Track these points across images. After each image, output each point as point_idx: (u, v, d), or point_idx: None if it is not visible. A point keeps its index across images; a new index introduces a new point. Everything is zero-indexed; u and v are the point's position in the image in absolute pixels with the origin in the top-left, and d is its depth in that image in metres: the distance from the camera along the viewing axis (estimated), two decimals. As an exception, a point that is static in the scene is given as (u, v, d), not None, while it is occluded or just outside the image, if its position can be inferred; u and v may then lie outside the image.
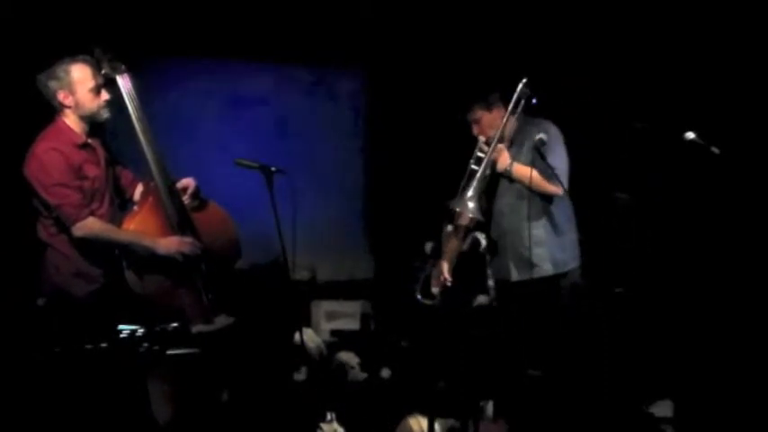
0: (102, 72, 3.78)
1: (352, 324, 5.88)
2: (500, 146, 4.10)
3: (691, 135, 3.66)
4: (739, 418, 4.24)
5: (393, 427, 4.36)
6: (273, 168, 3.82)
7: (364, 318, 5.92)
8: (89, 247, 3.72)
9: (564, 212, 4.16)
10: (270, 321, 4.70)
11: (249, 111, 5.99)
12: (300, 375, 4.60)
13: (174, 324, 3.59)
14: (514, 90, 4.07)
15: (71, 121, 3.76)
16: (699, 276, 4.65)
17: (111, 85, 3.80)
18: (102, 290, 3.76)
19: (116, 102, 3.81)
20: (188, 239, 3.80)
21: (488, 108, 4.20)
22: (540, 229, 4.12)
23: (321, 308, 5.86)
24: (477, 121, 4.22)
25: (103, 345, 3.47)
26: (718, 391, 4.39)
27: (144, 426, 3.71)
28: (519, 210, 4.08)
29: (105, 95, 3.77)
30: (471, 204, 3.99)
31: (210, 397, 3.98)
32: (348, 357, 5.28)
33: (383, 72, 6.09)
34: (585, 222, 4.24)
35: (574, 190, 4.10)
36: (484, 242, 4.09)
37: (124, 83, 3.81)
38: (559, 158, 4.08)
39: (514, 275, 4.18)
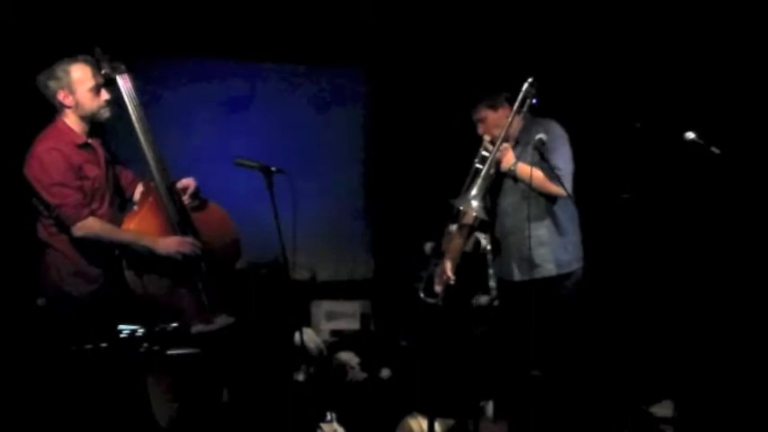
0: (102, 72, 3.77)
1: (353, 324, 5.88)
2: (505, 145, 4.09)
3: (691, 135, 3.65)
4: (740, 419, 4.24)
5: (393, 427, 4.36)
6: (273, 168, 3.81)
7: (364, 318, 5.92)
8: (89, 247, 3.72)
9: (568, 213, 4.14)
10: (270, 321, 4.70)
11: (249, 111, 5.98)
12: (300, 375, 4.60)
13: (174, 324, 3.59)
14: (515, 89, 4.07)
15: (71, 121, 3.76)
16: (699, 276, 4.65)
17: (111, 85, 3.80)
18: (102, 290, 3.75)
19: (116, 102, 3.81)
20: (188, 239, 3.79)
21: (494, 107, 4.19)
22: (543, 230, 4.12)
23: (321, 308, 5.86)
24: (483, 121, 4.21)
25: (103, 345, 3.47)
26: (718, 391, 4.39)
27: (144, 426, 3.71)
28: (522, 210, 4.06)
29: (105, 95, 3.77)
30: (475, 203, 3.99)
31: (210, 397, 3.98)
32: (348, 357, 5.28)
33: (383, 72, 6.09)
34: (587, 223, 4.24)
35: (576, 190, 4.09)
36: (484, 242, 4.09)
37: (124, 83, 3.81)
38: (563, 159, 4.07)
39: (517, 275, 4.17)
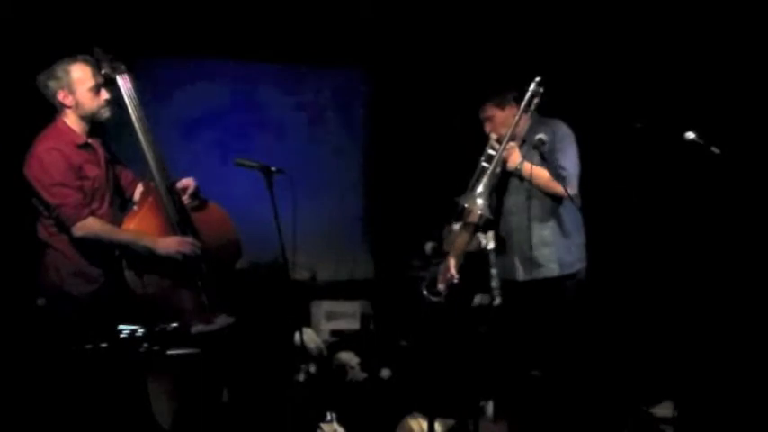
0: (102, 72, 3.77)
1: (353, 324, 5.87)
2: (511, 144, 4.07)
3: (691, 135, 3.65)
4: (740, 419, 4.24)
5: (393, 427, 4.36)
6: (273, 168, 3.81)
7: (364, 318, 5.92)
8: (89, 247, 3.72)
9: (572, 214, 4.12)
10: (270, 321, 4.70)
11: (249, 111, 5.99)
12: (300, 375, 4.60)
13: (174, 324, 3.60)
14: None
15: (71, 121, 3.76)
16: (699, 276, 4.65)
17: (111, 85, 3.80)
18: (102, 290, 3.75)
19: (116, 102, 3.81)
20: (188, 239, 3.79)
21: (501, 106, 4.18)
22: (547, 230, 4.11)
23: (321, 308, 5.86)
24: (490, 119, 4.20)
25: (103, 345, 3.47)
26: (718, 391, 4.39)
27: (144, 426, 3.71)
28: (527, 209, 4.06)
29: (105, 95, 3.77)
30: (480, 201, 3.96)
31: (210, 397, 3.98)
32: (348, 357, 5.28)
33: (384, 72, 6.09)
34: (587, 223, 4.23)
35: (579, 190, 4.09)
36: (484, 242, 4.08)
37: (124, 83, 3.81)
38: (569, 159, 4.06)
39: (520, 275, 4.16)
